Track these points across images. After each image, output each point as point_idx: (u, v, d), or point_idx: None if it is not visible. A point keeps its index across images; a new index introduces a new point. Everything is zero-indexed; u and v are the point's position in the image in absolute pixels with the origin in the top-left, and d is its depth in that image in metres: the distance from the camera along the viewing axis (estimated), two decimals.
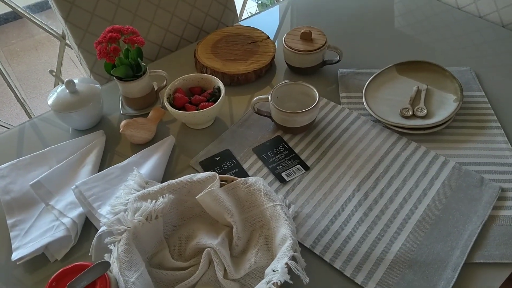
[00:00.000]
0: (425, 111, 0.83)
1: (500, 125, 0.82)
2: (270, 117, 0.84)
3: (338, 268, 0.63)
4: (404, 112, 0.84)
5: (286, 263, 0.55)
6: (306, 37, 0.93)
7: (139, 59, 0.84)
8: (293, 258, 0.57)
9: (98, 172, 0.77)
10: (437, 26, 1.09)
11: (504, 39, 1.03)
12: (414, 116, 0.83)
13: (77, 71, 2.44)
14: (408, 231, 0.67)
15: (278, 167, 0.77)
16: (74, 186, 0.70)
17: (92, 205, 0.69)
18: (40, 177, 0.74)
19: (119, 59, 0.81)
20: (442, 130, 0.82)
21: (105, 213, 0.66)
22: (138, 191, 0.69)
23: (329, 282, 0.63)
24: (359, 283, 0.61)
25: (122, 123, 0.80)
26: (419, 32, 1.07)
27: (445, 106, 0.84)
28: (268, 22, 1.15)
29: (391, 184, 0.73)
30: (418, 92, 0.87)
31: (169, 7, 1.06)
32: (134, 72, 0.84)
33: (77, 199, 0.70)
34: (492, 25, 1.08)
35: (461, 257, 0.63)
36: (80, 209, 0.70)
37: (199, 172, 0.78)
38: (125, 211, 0.64)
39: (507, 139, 0.79)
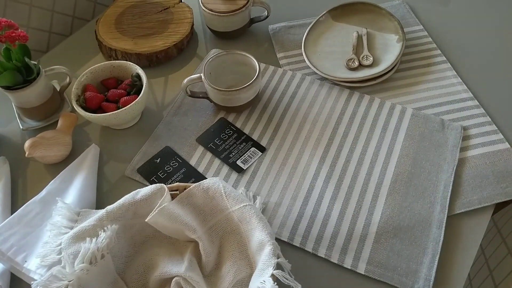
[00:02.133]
0: (371, 58, 0.76)
1: (445, 58, 0.78)
2: (208, 98, 0.72)
3: (323, 256, 0.57)
4: (350, 63, 0.77)
5: (273, 275, 0.47)
6: None
7: (26, 59, 0.65)
8: (278, 265, 0.49)
9: (10, 213, 0.61)
10: None
11: None
12: (361, 66, 0.76)
13: None
14: (384, 196, 0.62)
15: (231, 155, 0.67)
16: None
17: (15, 260, 0.54)
18: None
19: (0, 64, 0.62)
20: (392, 75, 0.76)
21: (35, 268, 0.52)
22: (69, 228, 0.56)
23: (315, 274, 0.56)
24: (349, 267, 0.56)
25: (26, 144, 0.63)
26: None
27: (390, 48, 0.78)
28: None
29: (354, 148, 0.67)
30: (359, 38, 0.80)
31: None
32: (24, 76, 0.66)
33: None
34: None
35: (443, 212, 0.60)
36: (0, 266, 0.55)
37: (139, 183, 0.66)
38: (60, 260, 0.51)
39: (456, 73, 0.76)
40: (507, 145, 0.66)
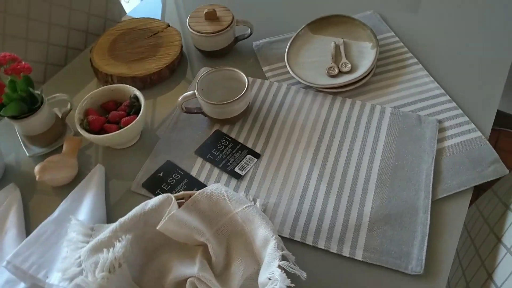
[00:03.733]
0: (349, 65, 0.83)
1: (417, 60, 0.85)
2: (202, 113, 0.77)
3: (323, 247, 0.62)
4: (330, 71, 0.83)
5: (280, 266, 0.52)
6: (211, 16, 0.86)
7: (30, 89, 0.70)
8: (283, 257, 0.54)
9: (26, 235, 0.64)
10: None
11: None
12: (340, 72, 0.83)
13: None
14: (373, 189, 0.67)
15: (229, 164, 0.72)
16: (6, 262, 0.58)
17: (37, 276, 0.57)
18: None
19: (6, 95, 0.66)
20: (370, 79, 0.83)
21: (57, 282, 0.56)
22: (85, 242, 0.59)
23: (317, 264, 0.61)
24: (348, 255, 0.61)
25: (36, 168, 0.67)
26: None
27: (365, 55, 0.85)
28: (154, 9, 1.04)
29: (342, 147, 0.73)
30: (337, 47, 0.87)
31: (42, 16, 0.90)
32: (29, 105, 0.70)
33: (15, 275, 0.58)
34: None
35: (427, 198, 0.65)
36: (21, 285, 0.58)
37: (145, 196, 0.70)
38: (80, 272, 0.54)
39: (427, 72, 0.83)
40: (478, 133, 0.73)
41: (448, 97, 0.78)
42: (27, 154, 0.75)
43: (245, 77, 0.75)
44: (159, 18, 0.96)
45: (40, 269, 0.58)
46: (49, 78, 0.92)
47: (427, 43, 0.89)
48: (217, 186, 0.61)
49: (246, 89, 0.74)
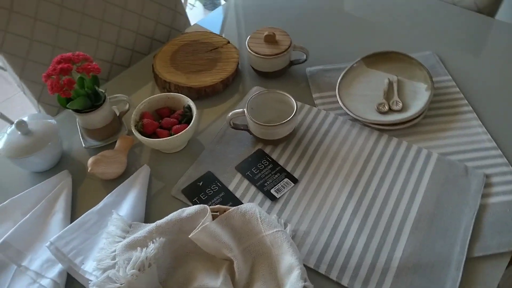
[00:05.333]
0: (401, 104, 0.83)
1: (472, 108, 0.83)
2: (248, 130, 0.80)
3: (346, 285, 0.62)
4: (380, 107, 0.83)
5: None
6: (271, 39, 0.89)
7: (96, 87, 0.76)
8: None
9: (70, 219, 0.70)
10: (391, 11, 1.08)
11: (458, 17, 1.05)
12: (390, 110, 0.83)
13: (10, 88, 2.22)
14: (407, 234, 0.66)
15: (266, 184, 0.74)
16: (49, 243, 0.63)
17: (74, 261, 0.62)
18: (5, 236, 0.66)
19: (75, 91, 0.72)
20: (420, 121, 0.82)
21: (91, 270, 0.60)
22: (122, 237, 0.63)
23: None
24: None
25: (90, 161, 0.72)
26: (375, 19, 1.07)
27: (418, 96, 0.84)
28: (217, 24, 1.09)
29: (381, 186, 0.73)
30: (390, 84, 0.87)
31: (115, 20, 0.97)
32: (93, 101, 0.76)
33: (55, 256, 0.63)
34: (444, 4, 1.09)
35: (462, 254, 0.63)
36: (59, 266, 0.63)
37: (183, 202, 0.73)
38: (114, 265, 0.58)
39: (481, 123, 0.81)
40: None
41: (499, 152, 0.76)
42: (83, 145, 0.81)
43: (295, 102, 0.77)
44: (220, 33, 1.01)
45: (78, 255, 0.62)
46: (112, 77, 0.99)
47: (485, 92, 0.86)
48: (252, 206, 0.63)
49: (294, 114, 0.75)
